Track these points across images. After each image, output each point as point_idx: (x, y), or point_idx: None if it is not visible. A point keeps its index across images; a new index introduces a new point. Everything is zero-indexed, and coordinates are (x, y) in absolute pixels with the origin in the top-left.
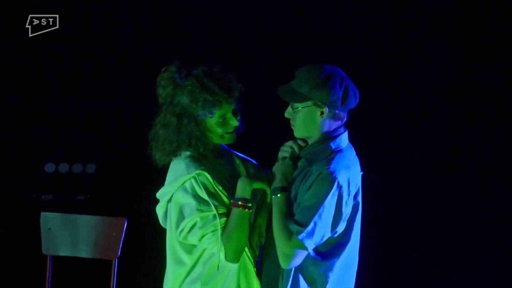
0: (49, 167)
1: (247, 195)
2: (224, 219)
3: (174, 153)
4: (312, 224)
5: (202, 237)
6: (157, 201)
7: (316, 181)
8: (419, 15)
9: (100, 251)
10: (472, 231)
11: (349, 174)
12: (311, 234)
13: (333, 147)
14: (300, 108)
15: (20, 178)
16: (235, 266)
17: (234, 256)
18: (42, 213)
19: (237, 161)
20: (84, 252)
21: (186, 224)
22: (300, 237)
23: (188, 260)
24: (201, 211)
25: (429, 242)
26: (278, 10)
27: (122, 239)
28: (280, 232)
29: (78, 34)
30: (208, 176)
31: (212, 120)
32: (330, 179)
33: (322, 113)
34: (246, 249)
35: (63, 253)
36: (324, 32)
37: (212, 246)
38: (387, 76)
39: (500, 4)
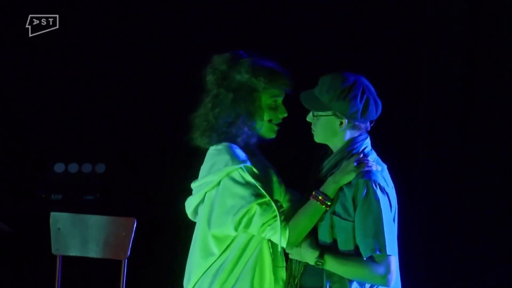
0: (59, 167)
1: (331, 194)
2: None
3: (227, 134)
4: (384, 234)
5: (263, 224)
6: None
7: (359, 195)
8: (429, 16)
9: (110, 251)
10: (480, 239)
11: (383, 173)
12: (389, 242)
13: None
14: (320, 116)
15: (30, 178)
16: (252, 259)
17: (295, 242)
18: (52, 213)
19: (267, 162)
20: (93, 252)
21: (244, 213)
22: (382, 253)
23: (217, 250)
24: (258, 198)
25: (437, 247)
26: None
27: (131, 239)
28: (361, 267)
29: (81, 34)
30: (254, 168)
31: (267, 99)
32: (373, 186)
33: (341, 123)
34: (266, 245)
35: (73, 253)
36: (330, 32)
37: (273, 233)
38: (395, 80)
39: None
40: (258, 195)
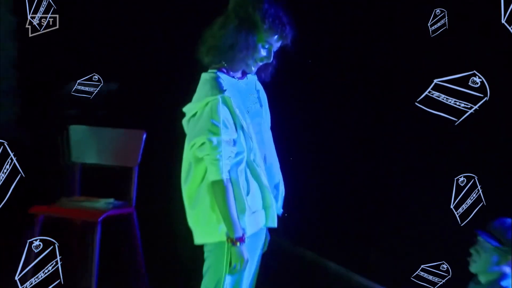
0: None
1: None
2: (232, 148)
3: (225, 56)
4: None
5: (206, 155)
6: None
7: None
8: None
9: (122, 159)
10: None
11: None
12: None
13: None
14: (490, 247)
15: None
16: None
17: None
18: (71, 126)
19: (256, 81)
20: (108, 160)
21: (196, 140)
22: None
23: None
24: (212, 133)
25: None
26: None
27: (141, 149)
28: None
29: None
30: (229, 100)
31: (261, 39)
32: None
33: (506, 260)
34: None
35: (89, 161)
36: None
37: (210, 168)
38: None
39: None
40: (213, 131)
